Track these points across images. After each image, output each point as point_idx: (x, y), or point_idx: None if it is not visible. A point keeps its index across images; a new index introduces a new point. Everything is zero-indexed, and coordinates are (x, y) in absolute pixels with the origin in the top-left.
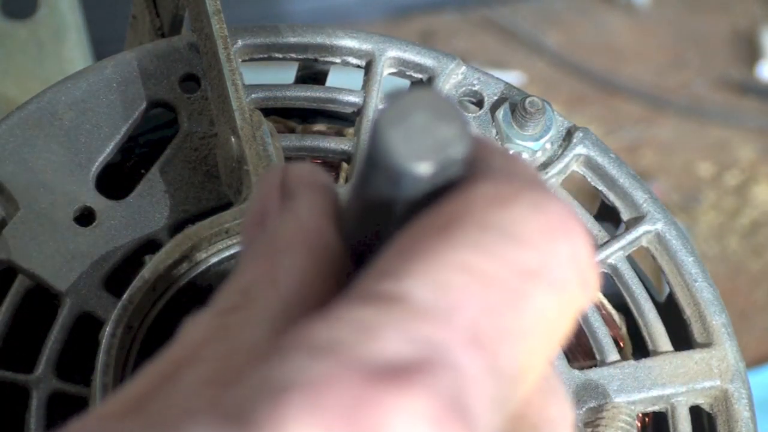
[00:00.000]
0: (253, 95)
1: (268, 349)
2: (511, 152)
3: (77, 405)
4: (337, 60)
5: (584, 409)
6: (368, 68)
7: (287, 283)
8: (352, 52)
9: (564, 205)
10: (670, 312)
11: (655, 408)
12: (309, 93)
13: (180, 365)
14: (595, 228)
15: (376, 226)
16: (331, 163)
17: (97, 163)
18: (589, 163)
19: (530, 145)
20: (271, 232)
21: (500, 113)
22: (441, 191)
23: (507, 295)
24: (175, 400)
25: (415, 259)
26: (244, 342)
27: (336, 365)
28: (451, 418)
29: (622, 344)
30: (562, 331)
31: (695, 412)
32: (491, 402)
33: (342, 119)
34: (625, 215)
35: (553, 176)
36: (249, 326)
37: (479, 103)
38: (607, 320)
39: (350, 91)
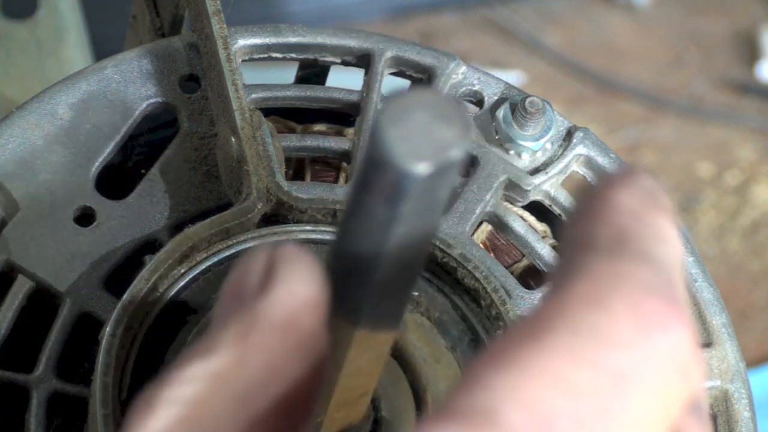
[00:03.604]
0: (253, 95)
1: None
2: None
3: (77, 405)
4: (337, 60)
5: None
6: (368, 68)
7: (255, 366)
8: (352, 52)
9: (665, 288)
10: None
11: None
12: (309, 93)
13: None
14: None
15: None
16: (331, 163)
17: (97, 163)
18: (590, 163)
19: (530, 145)
20: (248, 310)
21: (500, 113)
22: None
23: (600, 407)
24: None
25: (506, 369)
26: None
27: None
28: None
29: None
30: (666, 426)
31: None
32: None
33: (342, 119)
34: None
35: (553, 176)
36: (214, 416)
37: (479, 103)
38: None
39: (350, 91)
